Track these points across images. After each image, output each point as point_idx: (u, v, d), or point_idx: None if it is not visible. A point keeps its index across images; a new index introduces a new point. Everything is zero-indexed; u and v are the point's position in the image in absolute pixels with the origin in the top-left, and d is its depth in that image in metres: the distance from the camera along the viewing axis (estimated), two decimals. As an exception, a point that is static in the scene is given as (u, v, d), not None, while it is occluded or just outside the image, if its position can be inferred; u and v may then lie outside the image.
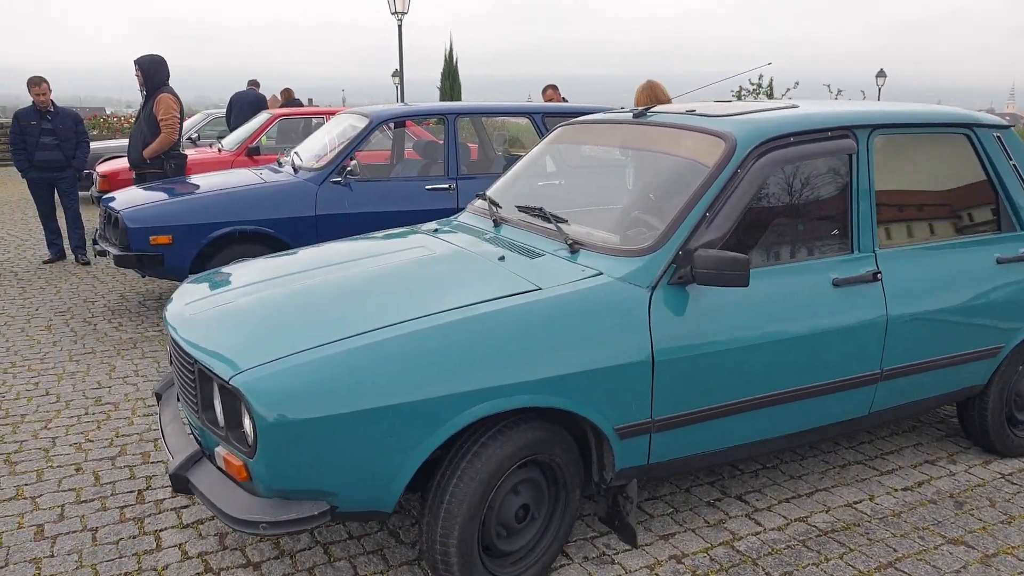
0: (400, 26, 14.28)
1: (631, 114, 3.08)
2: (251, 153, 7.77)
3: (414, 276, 2.54)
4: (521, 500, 2.27)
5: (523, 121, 7.22)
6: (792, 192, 2.62)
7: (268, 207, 4.94)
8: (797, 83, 14.38)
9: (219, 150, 8.01)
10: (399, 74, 14.33)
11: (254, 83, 11.48)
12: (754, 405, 2.48)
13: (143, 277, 5.80)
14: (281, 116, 8.17)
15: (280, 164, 5.68)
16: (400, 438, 1.99)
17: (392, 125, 6.02)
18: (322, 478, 1.97)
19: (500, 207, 3.10)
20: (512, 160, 6.61)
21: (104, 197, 5.40)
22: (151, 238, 4.72)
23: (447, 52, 19.00)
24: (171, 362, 2.55)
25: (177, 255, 4.78)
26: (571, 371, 2.17)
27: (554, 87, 8.98)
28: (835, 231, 2.68)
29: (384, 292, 2.40)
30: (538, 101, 8.02)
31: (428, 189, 5.35)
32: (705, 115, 2.76)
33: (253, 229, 4.89)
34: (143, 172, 6.24)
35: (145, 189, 5.48)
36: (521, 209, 2.94)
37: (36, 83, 6.41)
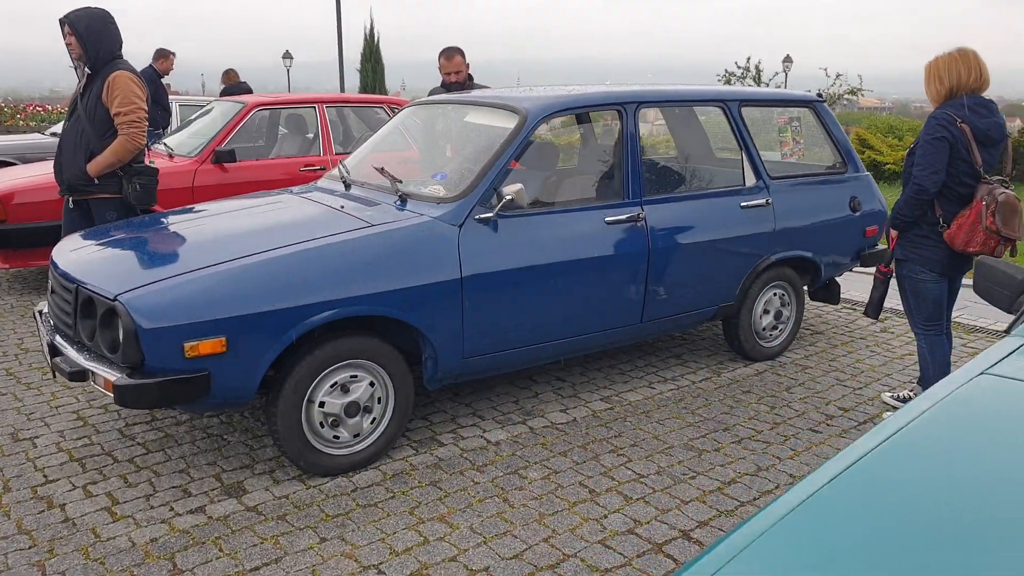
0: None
1: None
2: (221, 159, 5.40)
3: None
4: None
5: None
6: None
7: (390, 270, 2.78)
8: (789, 57, 13.26)
9: (170, 155, 5.55)
10: (339, 54, 11.87)
11: (163, 53, 8.43)
12: None
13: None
14: (258, 106, 5.78)
15: (347, 185, 3.47)
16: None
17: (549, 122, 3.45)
18: None
19: None
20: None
21: (54, 264, 3.01)
22: (186, 345, 2.46)
23: (367, 31, 16.58)
24: None
25: (235, 371, 2.54)
26: None
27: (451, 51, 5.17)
28: None
29: None
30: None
31: (608, 222, 3.36)
32: None
33: (364, 311, 2.73)
34: (86, 198, 3.88)
35: (117, 242, 3.12)
36: None
37: None
